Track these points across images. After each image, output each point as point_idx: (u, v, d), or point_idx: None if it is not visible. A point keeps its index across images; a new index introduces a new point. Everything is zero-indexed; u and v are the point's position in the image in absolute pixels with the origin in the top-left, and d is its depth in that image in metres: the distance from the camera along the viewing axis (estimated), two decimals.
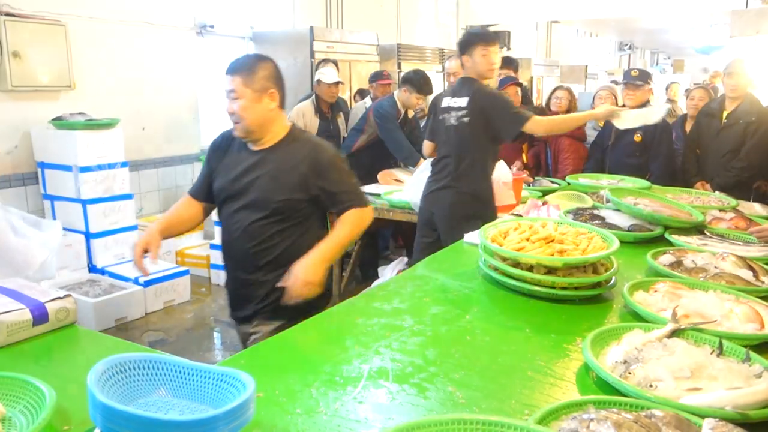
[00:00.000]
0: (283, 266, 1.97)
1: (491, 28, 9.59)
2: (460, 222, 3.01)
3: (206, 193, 2.19)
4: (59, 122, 4.14)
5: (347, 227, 2.04)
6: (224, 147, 2.15)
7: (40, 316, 1.70)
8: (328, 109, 4.88)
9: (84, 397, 1.08)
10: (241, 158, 2.07)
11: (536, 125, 3.06)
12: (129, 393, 1.19)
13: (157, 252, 2.01)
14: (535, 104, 6.79)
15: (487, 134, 3.13)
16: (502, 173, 3.32)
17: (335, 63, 5.11)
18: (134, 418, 1.00)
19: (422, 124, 5.33)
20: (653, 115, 3.31)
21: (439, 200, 3.26)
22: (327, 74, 4.79)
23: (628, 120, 3.19)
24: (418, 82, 4.54)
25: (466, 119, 3.13)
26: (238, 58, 2.02)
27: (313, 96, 4.89)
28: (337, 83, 4.78)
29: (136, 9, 4.88)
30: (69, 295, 1.81)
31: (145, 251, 1.99)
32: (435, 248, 2.75)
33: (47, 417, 1.14)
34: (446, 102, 3.26)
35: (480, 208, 3.13)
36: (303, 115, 4.85)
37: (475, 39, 3.16)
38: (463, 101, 3.15)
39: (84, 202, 4.14)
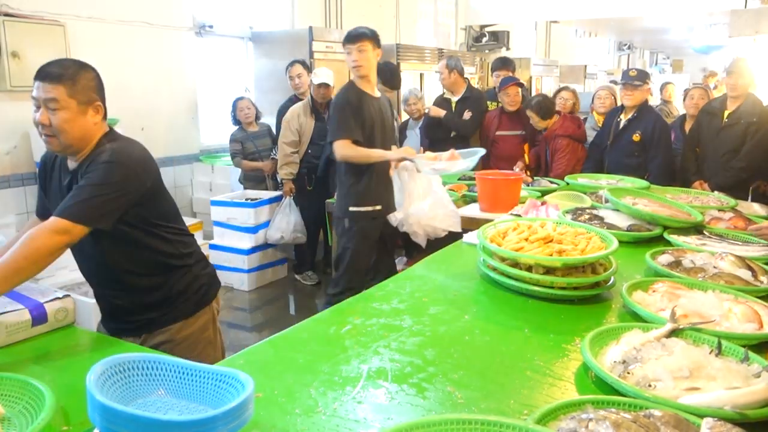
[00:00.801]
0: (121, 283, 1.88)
1: (491, 28, 9.65)
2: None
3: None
4: None
5: (23, 250, 1.59)
6: (50, 166, 1.93)
7: (39, 316, 1.70)
8: (324, 109, 4.87)
9: (83, 397, 1.08)
10: (61, 177, 1.86)
11: (342, 147, 3.21)
12: (128, 393, 1.19)
13: None
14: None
15: None
16: None
17: (300, 62, 5.15)
18: (133, 419, 1.00)
19: (419, 125, 5.34)
20: (458, 165, 3.13)
21: None
22: (317, 75, 4.80)
23: (434, 165, 3.09)
24: (385, 74, 4.48)
25: None
26: (53, 63, 1.73)
27: (309, 97, 4.88)
28: (327, 85, 4.75)
29: (135, 9, 4.88)
30: (68, 296, 1.80)
31: None
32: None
33: (46, 417, 1.14)
34: None
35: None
36: (298, 116, 4.85)
37: (344, 39, 3.27)
38: None
39: None
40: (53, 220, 1.65)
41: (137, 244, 1.86)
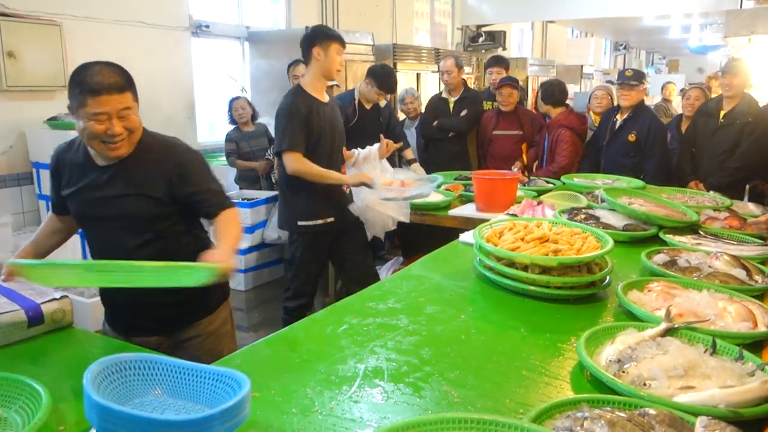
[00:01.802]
0: None
1: (487, 29, 9.67)
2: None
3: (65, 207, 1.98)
4: (54, 122, 4.13)
5: (237, 226, 1.90)
6: (63, 164, 1.93)
7: (35, 317, 1.70)
8: None
9: (80, 397, 1.09)
10: (96, 173, 1.86)
11: (294, 161, 3.02)
12: (125, 393, 1.19)
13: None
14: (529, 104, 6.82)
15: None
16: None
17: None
18: (130, 418, 1.00)
19: (415, 124, 5.34)
20: (414, 190, 3.14)
21: None
22: None
23: (390, 192, 3.12)
24: (381, 76, 4.36)
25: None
26: (100, 73, 1.70)
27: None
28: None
29: (131, 9, 4.87)
30: (65, 297, 1.79)
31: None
32: None
33: (43, 417, 1.14)
34: None
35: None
36: None
37: (333, 36, 3.08)
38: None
39: None
40: (231, 210, 1.90)
41: (188, 234, 1.96)
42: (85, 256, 4.13)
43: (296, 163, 3.03)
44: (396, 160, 4.85)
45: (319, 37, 3.06)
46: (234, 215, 1.91)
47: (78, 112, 1.70)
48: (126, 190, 1.81)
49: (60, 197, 1.96)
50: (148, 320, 1.98)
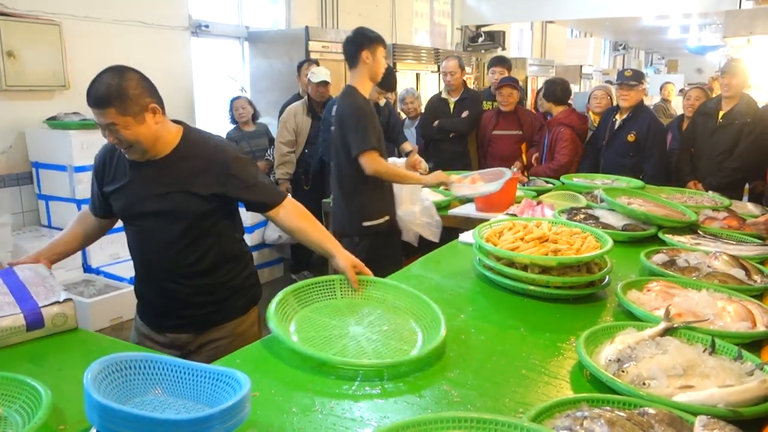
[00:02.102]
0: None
1: (486, 29, 9.67)
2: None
3: (104, 207, 2.04)
4: (54, 122, 4.13)
5: (316, 221, 2.03)
6: (110, 162, 1.97)
7: (34, 321, 1.66)
8: (321, 108, 4.87)
9: (80, 396, 1.09)
10: (136, 175, 1.91)
11: (374, 162, 2.98)
12: (125, 392, 1.19)
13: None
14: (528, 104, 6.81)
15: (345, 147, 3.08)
16: None
17: (315, 62, 5.11)
18: (130, 417, 1.01)
19: (415, 124, 5.35)
20: (487, 187, 3.11)
21: None
22: (316, 73, 4.78)
23: (462, 189, 3.11)
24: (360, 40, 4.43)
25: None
26: (96, 82, 1.71)
27: (306, 96, 4.88)
28: (325, 83, 4.75)
29: (131, 9, 4.87)
30: (69, 300, 1.74)
31: None
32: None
33: (43, 416, 1.14)
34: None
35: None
36: (294, 115, 4.83)
37: (379, 39, 3.08)
38: (334, 110, 3.17)
39: (79, 202, 4.12)
40: (293, 203, 1.99)
41: (228, 235, 2.00)
42: (85, 260, 4.14)
43: (376, 163, 3.00)
44: (395, 153, 4.86)
45: (366, 41, 3.05)
46: (298, 207, 2.00)
47: None
48: (172, 187, 1.85)
49: (102, 195, 1.99)
50: (180, 318, 2.00)
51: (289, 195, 2.04)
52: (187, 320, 2.00)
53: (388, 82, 4.38)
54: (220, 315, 2.02)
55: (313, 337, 1.59)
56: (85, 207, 2.14)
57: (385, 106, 4.77)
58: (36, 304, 1.69)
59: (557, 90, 4.61)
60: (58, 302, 1.72)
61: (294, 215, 1.98)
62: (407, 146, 4.65)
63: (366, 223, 3.17)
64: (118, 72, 1.74)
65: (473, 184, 3.11)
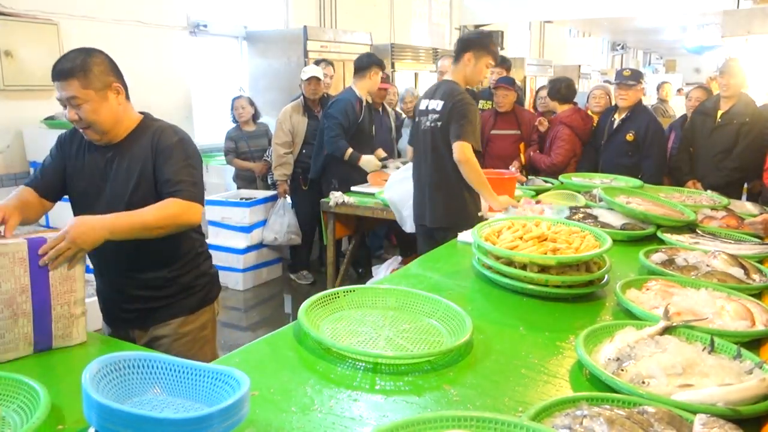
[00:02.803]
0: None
1: (485, 28, 9.67)
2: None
3: (55, 189, 1.97)
4: (52, 122, 4.13)
5: (158, 212, 1.76)
6: (71, 144, 1.95)
7: (42, 348, 1.58)
8: (318, 107, 4.85)
9: (78, 395, 1.08)
10: (92, 158, 1.89)
11: (469, 151, 2.95)
12: (123, 391, 1.19)
13: (12, 228, 1.80)
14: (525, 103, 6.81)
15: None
16: None
17: (329, 62, 5.09)
18: (129, 417, 1.00)
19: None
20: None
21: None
22: (306, 71, 4.79)
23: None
24: (378, 59, 4.49)
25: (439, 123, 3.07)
26: (61, 58, 1.75)
27: (301, 95, 4.87)
28: (317, 79, 4.73)
29: (129, 8, 4.87)
30: (83, 315, 1.68)
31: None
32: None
33: (41, 416, 1.14)
34: (423, 104, 3.21)
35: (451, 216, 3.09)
36: (290, 116, 4.81)
37: (488, 44, 3.05)
38: (438, 104, 3.08)
39: None
40: (181, 200, 1.77)
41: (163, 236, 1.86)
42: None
43: (470, 153, 2.97)
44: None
45: (475, 45, 3.03)
46: (175, 205, 1.77)
47: None
48: (119, 172, 1.85)
49: (54, 173, 1.94)
50: (127, 312, 1.99)
51: (198, 204, 1.84)
52: (133, 314, 1.98)
53: (374, 59, 4.51)
54: (165, 311, 1.98)
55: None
56: (24, 186, 1.99)
57: (382, 109, 4.81)
58: (50, 338, 1.60)
59: (561, 88, 4.61)
60: (74, 316, 1.65)
61: (158, 204, 1.79)
62: (380, 153, 4.73)
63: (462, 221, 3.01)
64: (85, 50, 1.79)
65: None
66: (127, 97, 1.87)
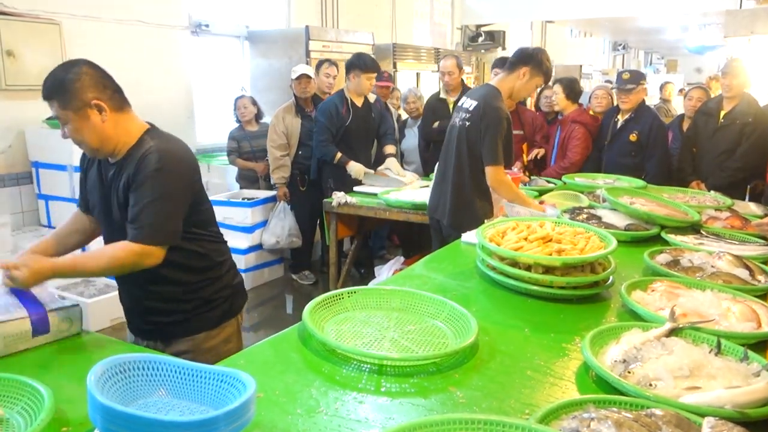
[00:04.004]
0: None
1: (487, 28, 9.66)
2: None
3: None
4: (54, 122, 4.11)
5: (106, 261, 1.72)
6: (86, 156, 1.95)
7: (40, 326, 1.63)
8: (311, 106, 4.83)
9: (83, 398, 1.08)
10: (102, 171, 1.89)
11: (503, 174, 2.92)
12: (129, 394, 1.18)
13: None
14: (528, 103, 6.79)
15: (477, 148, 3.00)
16: None
17: (333, 63, 5.07)
18: (134, 419, 1.00)
19: (417, 124, 5.33)
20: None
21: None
22: (295, 70, 4.76)
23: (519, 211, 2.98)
24: (362, 62, 4.42)
25: (467, 123, 3.03)
26: (48, 77, 1.72)
27: (293, 96, 4.85)
28: (308, 77, 4.70)
29: (131, 8, 4.86)
30: (76, 306, 1.72)
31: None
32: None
33: (46, 418, 1.14)
34: (461, 100, 3.20)
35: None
36: (283, 118, 4.79)
37: (544, 69, 3.01)
38: (472, 104, 3.04)
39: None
40: (133, 245, 1.70)
41: (175, 249, 1.81)
42: None
43: (504, 176, 2.93)
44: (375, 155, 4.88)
45: (535, 62, 2.98)
46: (124, 252, 1.71)
47: None
48: (116, 190, 1.82)
49: (83, 191, 1.98)
50: (147, 324, 1.96)
51: (155, 247, 1.73)
52: (153, 326, 1.95)
53: (367, 61, 4.46)
54: (186, 326, 1.93)
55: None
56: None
57: (376, 102, 4.76)
58: (43, 308, 1.66)
59: (576, 87, 4.63)
60: (65, 307, 1.69)
61: (106, 249, 1.80)
62: (390, 149, 4.68)
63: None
64: (68, 65, 1.73)
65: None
66: (122, 108, 1.79)
